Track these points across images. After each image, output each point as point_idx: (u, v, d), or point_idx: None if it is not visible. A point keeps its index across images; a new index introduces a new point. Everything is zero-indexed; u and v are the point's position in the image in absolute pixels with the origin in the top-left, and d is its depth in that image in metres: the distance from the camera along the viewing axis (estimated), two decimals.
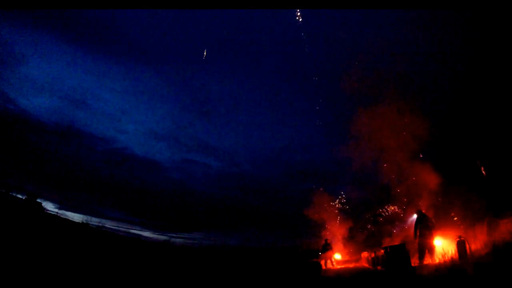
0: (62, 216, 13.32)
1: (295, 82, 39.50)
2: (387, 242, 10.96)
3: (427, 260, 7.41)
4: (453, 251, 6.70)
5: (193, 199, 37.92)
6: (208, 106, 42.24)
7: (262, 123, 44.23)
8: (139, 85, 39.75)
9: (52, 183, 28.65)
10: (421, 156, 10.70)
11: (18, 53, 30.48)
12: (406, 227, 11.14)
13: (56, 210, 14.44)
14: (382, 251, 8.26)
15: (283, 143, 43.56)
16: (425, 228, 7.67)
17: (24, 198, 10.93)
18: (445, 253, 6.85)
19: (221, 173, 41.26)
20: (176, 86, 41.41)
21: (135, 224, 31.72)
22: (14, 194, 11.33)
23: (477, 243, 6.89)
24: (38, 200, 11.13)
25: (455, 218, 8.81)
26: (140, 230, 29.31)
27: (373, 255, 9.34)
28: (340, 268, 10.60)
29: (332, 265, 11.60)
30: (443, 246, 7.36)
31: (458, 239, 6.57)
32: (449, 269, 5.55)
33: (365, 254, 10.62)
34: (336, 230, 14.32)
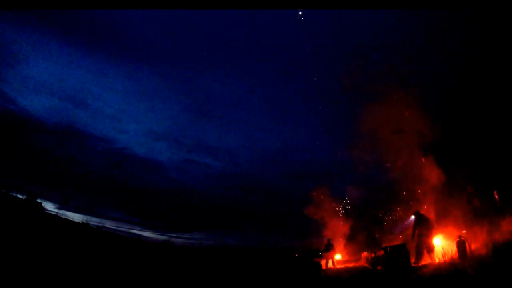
0: (62, 216, 13.34)
1: (295, 82, 39.57)
2: (387, 242, 10.96)
3: (427, 260, 7.41)
4: (453, 251, 6.70)
5: (193, 199, 37.93)
6: (208, 106, 42.27)
7: (262, 123, 44.22)
8: (139, 85, 39.72)
9: (52, 183, 28.63)
10: (422, 158, 10.69)
11: (18, 53, 30.51)
12: (406, 227, 11.15)
13: (56, 210, 14.47)
14: (382, 251, 8.26)
15: (283, 143, 43.55)
16: (423, 228, 7.67)
17: (24, 198, 10.94)
18: (445, 253, 6.85)
19: (221, 173, 41.28)
20: (176, 86, 41.39)
21: (135, 224, 31.77)
22: (14, 194, 11.34)
23: (477, 243, 6.88)
24: (38, 200, 11.14)
25: (455, 218, 8.81)
26: (140, 230, 29.40)
27: (373, 255, 9.34)
28: (340, 268, 10.61)
29: (333, 265, 11.60)
30: (443, 246, 7.36)
31: (458, 239, 6.57)
32: (449, 269, 5.55)
33: (365, 254, 10.62)
34: (336, 230, 14.32)
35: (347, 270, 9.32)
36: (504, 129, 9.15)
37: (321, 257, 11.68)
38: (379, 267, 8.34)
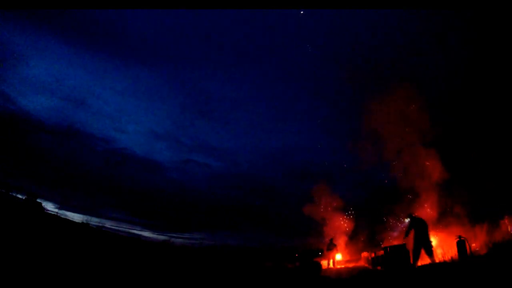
0: (62, 216, 13.31)
1: (296, 82, 39.55)
2: (387, 242, 10.97)
3: (426, 261, 7.40)
4: (453, 251, 6.70)
5: (193, 199, 37.90)
6: (208, 106, 42.24)
7: (262, 123, 44.19)
8: (139, 85, 39.68)
9: (52, 183, 28.66)
10: (423, 160, 10.69)
11: (18, 53, 30.51)
12: (404, 229, 11.15)
13: (56, 210, 14.44)
14: (382, 251, 8.26)
15: (283, 143, 43.45)
16: (419, 230, 7.60)
17: (24, 198, 10.94)
18: (445, 253, 6.85)
19: (221, 173, 41.23)
20: (176, 86, 41.38)
21: (135, 224, 31.76)
22: (14, 194, 11.33)
23: (477, 243, 6.89)
24: (38, 200, 11.15)
25: (455, 218, 8.81)
26: (140, 230, 29.36)
27: (373, 255, 9.35)
28: (340, 268, 10.60)
29: (333, 265, 11.60)
30: (443, 246, 7.36)
31: (458, 239, 6.57)
32: (449, 269, 5.55)
33: (365, 254, 10.63)
34: (336, 230, 14.31)
35: (347, 270, 9.33)
36: (504, 129, 9.15)
37: (323, 256, 11.67)
38: (379, 267, 8.35)
